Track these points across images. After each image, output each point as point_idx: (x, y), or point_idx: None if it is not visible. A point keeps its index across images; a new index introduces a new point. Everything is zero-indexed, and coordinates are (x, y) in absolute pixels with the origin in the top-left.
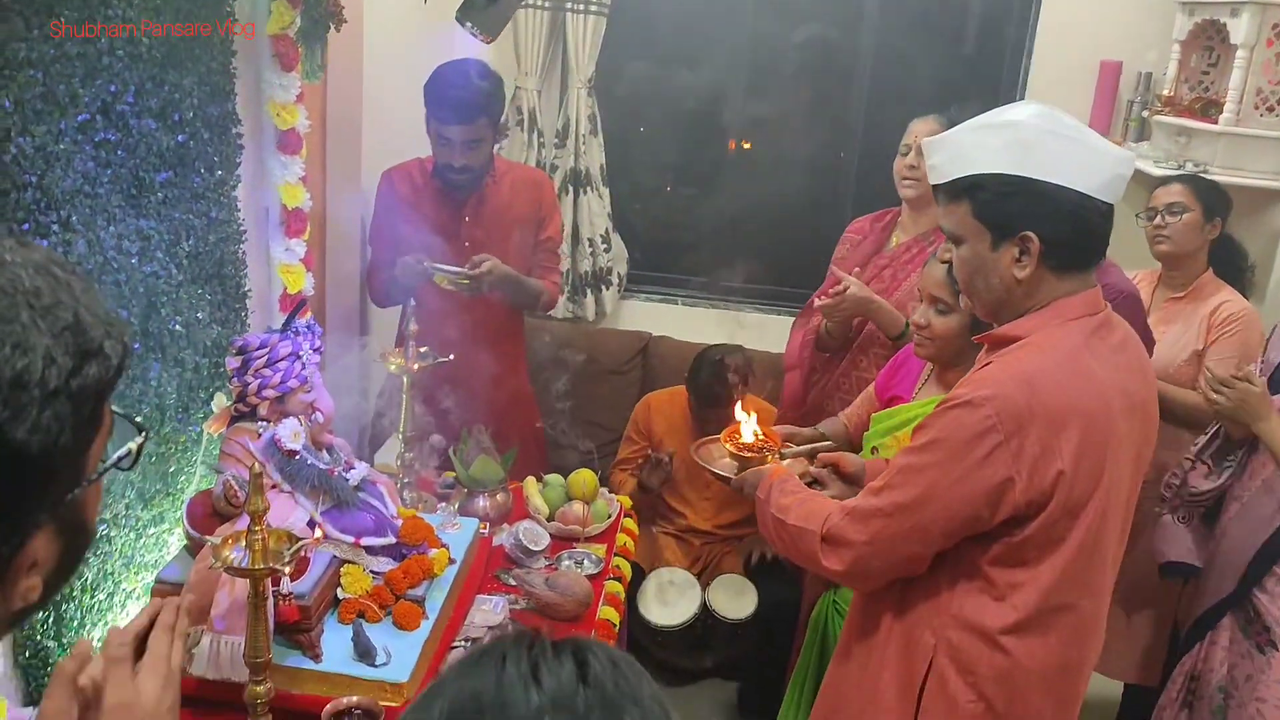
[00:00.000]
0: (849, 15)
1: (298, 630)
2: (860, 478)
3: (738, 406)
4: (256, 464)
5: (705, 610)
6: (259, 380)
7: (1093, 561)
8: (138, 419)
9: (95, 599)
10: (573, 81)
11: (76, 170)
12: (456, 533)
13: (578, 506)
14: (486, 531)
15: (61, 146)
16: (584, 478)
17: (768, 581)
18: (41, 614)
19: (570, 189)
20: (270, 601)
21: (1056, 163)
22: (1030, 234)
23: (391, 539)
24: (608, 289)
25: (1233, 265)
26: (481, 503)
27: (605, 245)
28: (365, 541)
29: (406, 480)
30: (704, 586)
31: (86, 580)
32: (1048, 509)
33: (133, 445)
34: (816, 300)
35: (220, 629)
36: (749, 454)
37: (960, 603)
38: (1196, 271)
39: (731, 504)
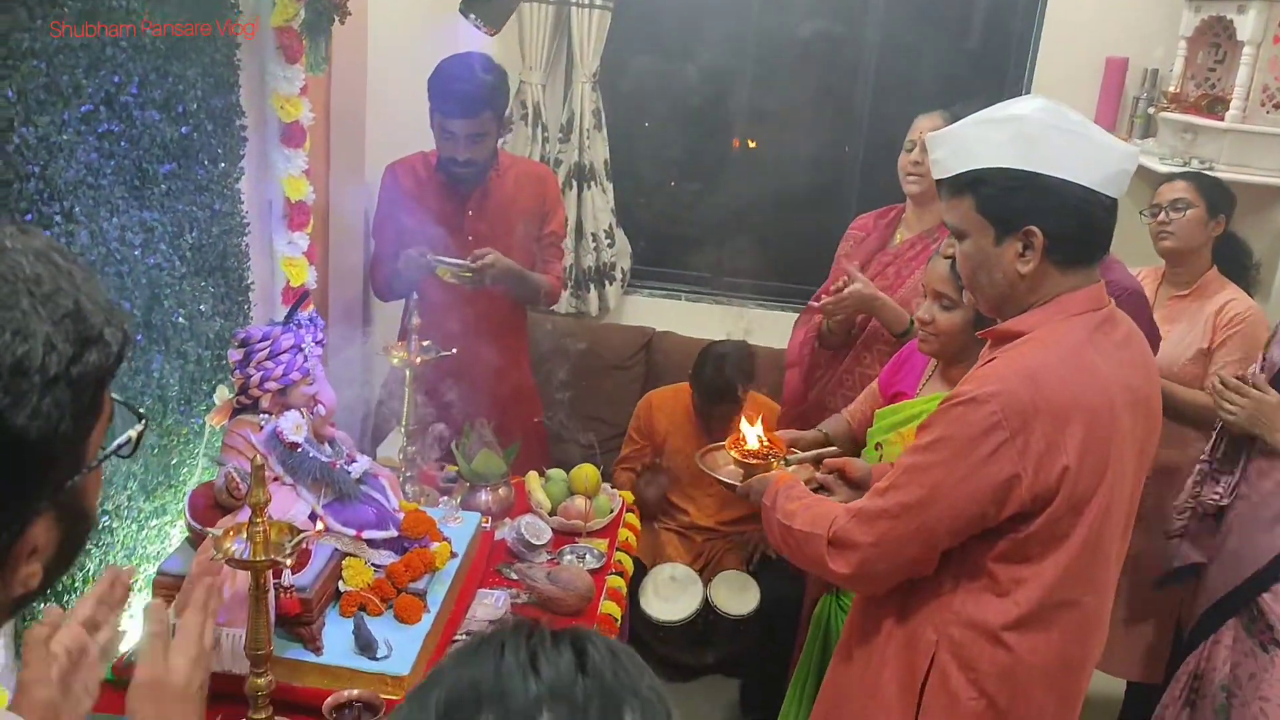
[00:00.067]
0: (854, 10)
1: (299, 623)
2: (866, 482)
3: (743, 419)
4: (258, 456)
5: (707, 606)
6: (261, 373)
7: (1096, 558)
8: (144, 412)
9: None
10: (577, 76)
11: (80, 161)
12: (458, 526)
13: (580, 501)
14: (488, 525)
15: (65, 137)
16: (586, 473)
17: (770, 578)
18: (44, 606)
19: (574, 183)
20: (271, 594)
21: (1061, 157)
22: (1034, 228)
23: (393, 532)
24: (611, 284)
25: (1237, 263)
26: (484, 497)
27: (609, 240)
28: (367, 535)
29: (409, 474)
30: (706, 582)
31: (88, 571)
32: (1053, 504)
33: (132, 433)
34: (820, 298)
35: (221, 621)
36: (754, 461)
37: (962, 599)
38: (1201, 269)
39: (734, 501)
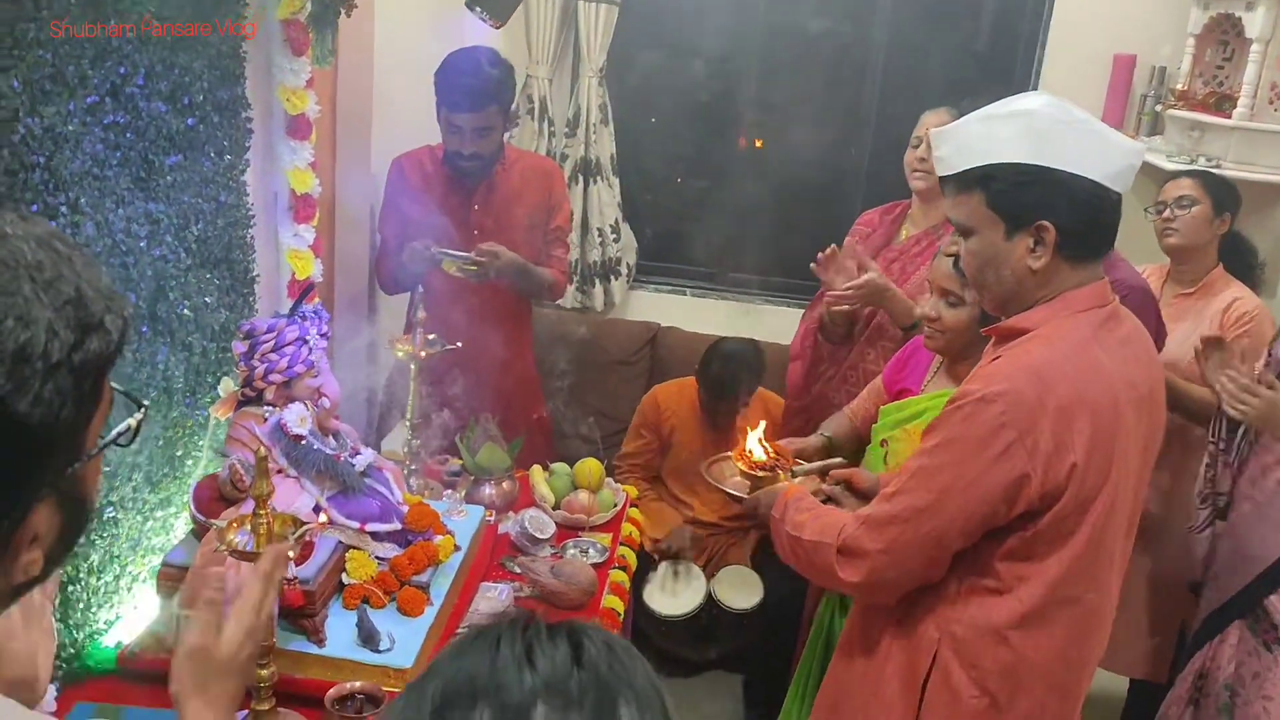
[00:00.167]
0: (862, 7)
1: (302, 615)
2: (874, 492)
3: (747, 428)
4: (262, 448)
5: (710, 601)
6: (265, 365)
7: (1099, 555)
8: (140, 398)
9: (102, 581)
10: (584, 70)
11: (85, 152)
12: (462, 520)
13: (583, 495)
14: (492, 519)
15: (70, 128)
16: (590, 467)
17: (773, 573)
18: None
19: (580, 178)
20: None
21: (1071, 151)
22: (1046, 223)
23: (397, 525)
24: (616, 279)
25: (1242, 261)
26: (488, 490)
27: (614, 235)
28: (370, 527)
29: (413, 467)
30: (709, 577)
31: (93, 562)
32: (1060, 502)
33: (132, 421)
34: (830, 292)
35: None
36: (761, 473)
37: (965, 597)
38: (1206, 267)
39: None
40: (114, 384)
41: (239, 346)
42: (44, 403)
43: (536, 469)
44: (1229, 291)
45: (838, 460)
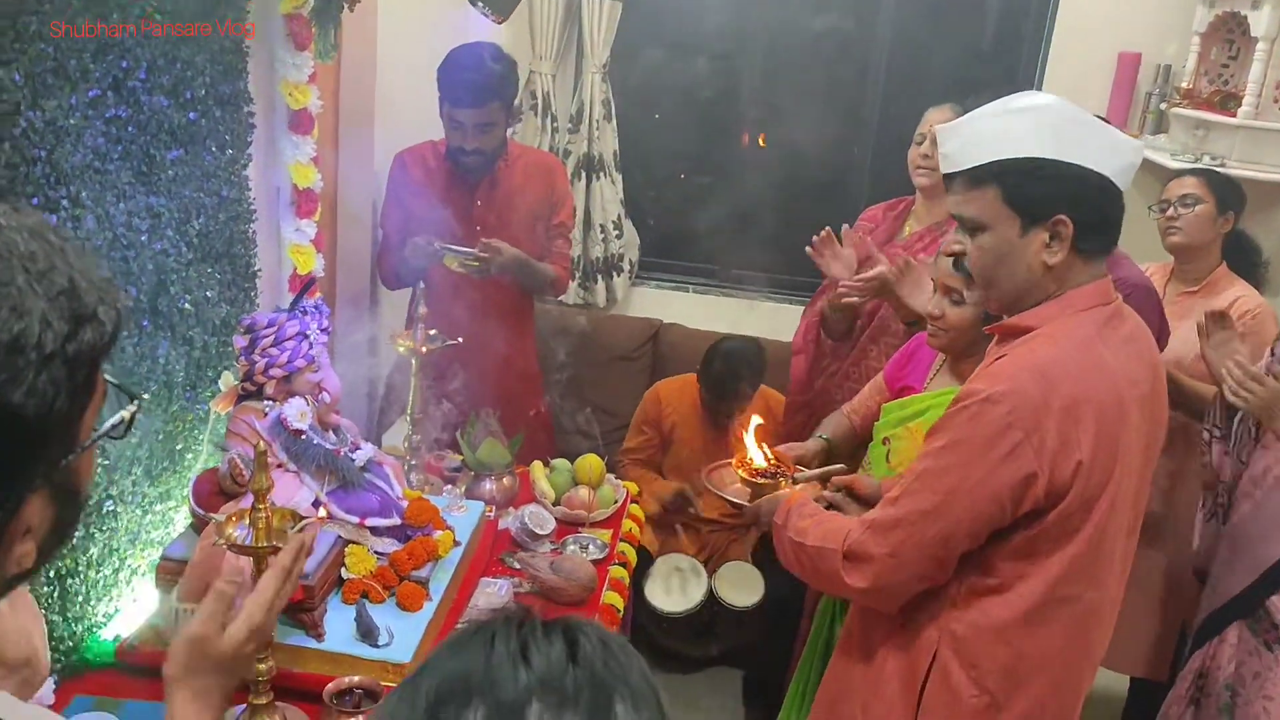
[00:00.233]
0: (866, 5)
1: (301, 609)
2: (876, 498)
3: (747, 436)
4: (261, 442)
5: (711, 598)
6: (266, 359)
7: (1100, 554)
8: (137, 392)
9: (100, 574)
10: (587, 66)
11: (87, 146)
12: (462, 515)
13: (584, 491)
14: (492, 515)
15: (72, 122)
16: (591, 463)
17: (774, 570)
18: (46, 589)
19: (583, 174)
20: None
21: (1083, 146)
22: (1064, 217)
23: (397, 520)
24: (619, 275)
25: (1246, 260)
26: (488, 486)
27: (617, 231)
28: (370, 522)
29: (413, 462)
30: (710, 574)
31: (92, 556)
32: (1065, 500)
33: (125, 413)
34: (842, 283)
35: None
36: (762, 480)
37: (965, 596)
38: (1210, 265)
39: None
40: (109, 377)
41: (239, 341)
42: (38, 394)
43: (537, 465)
44: (1232, 290)
45: (839, 466)
